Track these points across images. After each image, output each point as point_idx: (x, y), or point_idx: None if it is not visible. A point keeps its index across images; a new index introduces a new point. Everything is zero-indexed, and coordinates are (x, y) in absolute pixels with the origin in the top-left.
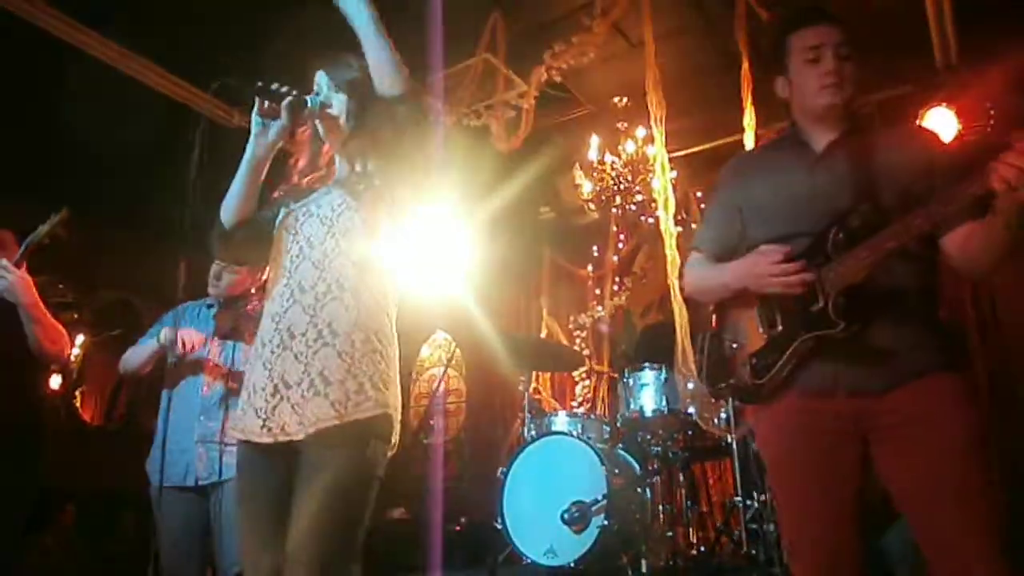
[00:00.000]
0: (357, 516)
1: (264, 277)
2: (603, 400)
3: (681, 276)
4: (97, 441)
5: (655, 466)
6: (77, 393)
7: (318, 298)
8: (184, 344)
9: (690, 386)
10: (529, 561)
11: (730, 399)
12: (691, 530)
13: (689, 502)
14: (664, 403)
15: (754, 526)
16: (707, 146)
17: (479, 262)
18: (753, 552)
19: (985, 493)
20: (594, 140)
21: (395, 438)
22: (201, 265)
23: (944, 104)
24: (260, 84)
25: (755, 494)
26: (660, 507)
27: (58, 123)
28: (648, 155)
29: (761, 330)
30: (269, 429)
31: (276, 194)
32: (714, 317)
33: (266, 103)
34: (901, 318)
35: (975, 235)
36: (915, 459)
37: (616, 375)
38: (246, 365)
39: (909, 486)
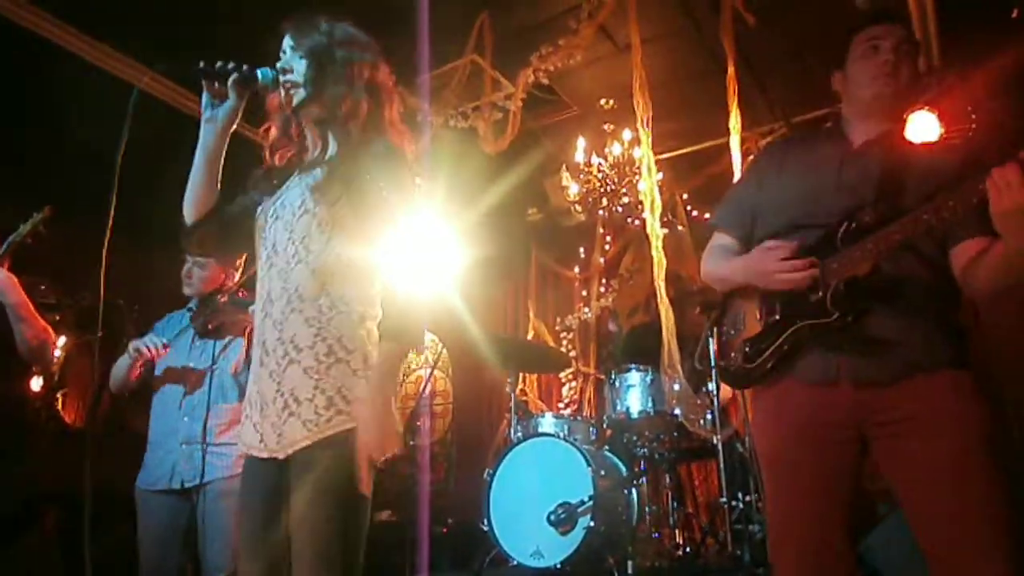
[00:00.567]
0: (354, 534)
1: (239, 270)
2: (590, 401)
3: (668, 280)
4: (80, 443)
5: (641, 467)
6: (59, 395)
7: (282, 311)
8: (144, 351)
9: (676, 387)
10: (515, 563)
11: (715, 401)
12: (677, 531)
13: (675, 503)
14: (650, 404)
15: (739, 527)
16: (693, 148)
17: (466, 263)
18: (738, 553)
19: (993, 492)
20: (581, 142)
21: None
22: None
23: (927, 107)
24: (203, 64)
25: (740, 495)
26: (646, 508)
27: (39, 121)
28: (634, 157)
29: (759, 318)
30: (266, 445)
31: (255, 182)
32: (723, 305)
33: (215, 83)
34: (906, 312)
35: (980, 252)
36: (920, 455)
37: (603, 376)
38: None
39: (910, 488)
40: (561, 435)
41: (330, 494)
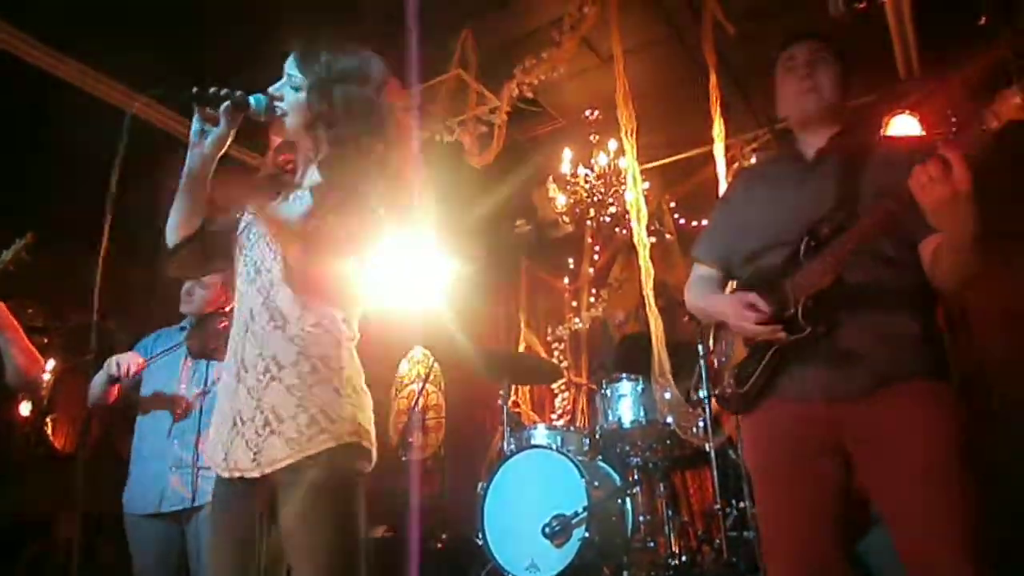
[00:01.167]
0: (352, 546)
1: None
2: (582, 412)
3: (656, 289)
4: (70, 469)
5: (635, 477)
6: (48, 420)
7: (264, 328)
8: (121, 367)
9: (667, 396)
10: None
11: (707, 408)
12: (672, 539)
13: (670, 511)
14: (642, 414)
15: (734, 533)
16: (678, 157)
17: (456, 276)
18: (734, 560)
19: (962, 503)
20: (567, 153)
21: (365, 464)
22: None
23: (908, 112)
24: (196, 89)
25: (735, 501)
26: (641, 518)
27: (24, 145)
28: (620, 167)
29: (745, 343)
30: (232, 463)
31: (232, 201)
32: (712, 335)
33: (208, 109)
34: (875, 322)
35: (939, 246)
36: (892, 473)
37: (595, 387)
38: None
39: (886, 499)
40: (554, 447)
41: (324, 512)
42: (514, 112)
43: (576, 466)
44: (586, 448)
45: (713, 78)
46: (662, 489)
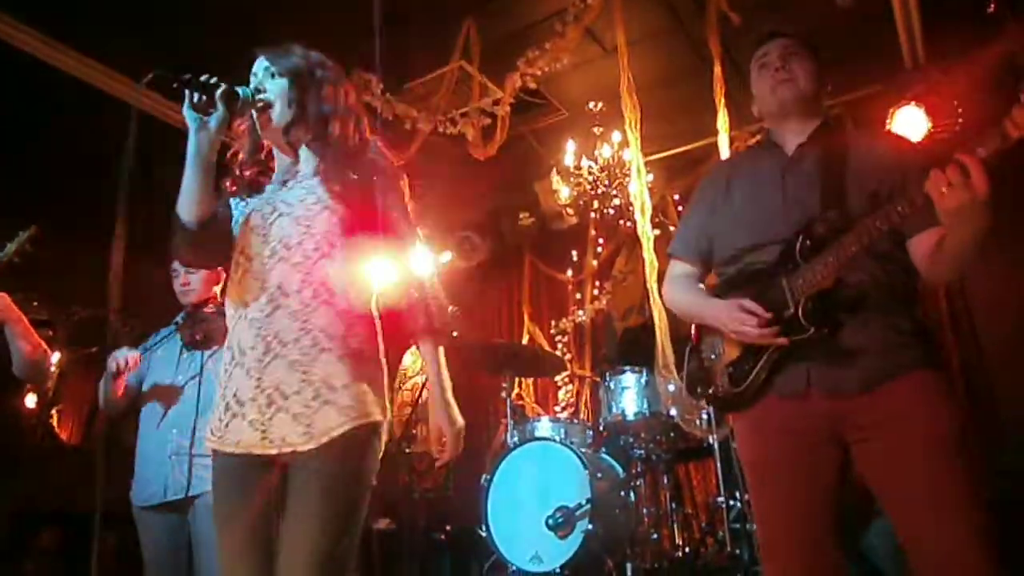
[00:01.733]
0: (355, 528)
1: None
2: (586, 404)
3: (660, 281)
4: (76, 461)
5: (639, 469)
6: (54, 412)
7: (306, 303)
8: (117, 364)
9: (671, 388)
10: (515, 568)
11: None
12: (676, 532)
13: (673, 504)
14: (646, 406)
15: (737, 526)
16: (682, 149)
17: (460, 269)
18: (737, 552)
19: (964, 492)
20: (570, 145)
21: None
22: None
23: (913, 103)
24: (189, 76)
25: (738, 494)
26: (644, 510)
27: (28, 138)
28: (624, 159)
29: (737, 341)
30: (271, 441)
31: (230, 187)
32: (694, 332)
33: (197, 96)
34: (874, 319)
35: (937, 241)
36: (894, 459)
37: (598, 379)
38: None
39: (889, 486)
40: (557, 439)
41: (349, 483)
42: (517, 104)
43: (579, 458)
44: (589, 440)
45: (717, 69)
46: (666, 481)
